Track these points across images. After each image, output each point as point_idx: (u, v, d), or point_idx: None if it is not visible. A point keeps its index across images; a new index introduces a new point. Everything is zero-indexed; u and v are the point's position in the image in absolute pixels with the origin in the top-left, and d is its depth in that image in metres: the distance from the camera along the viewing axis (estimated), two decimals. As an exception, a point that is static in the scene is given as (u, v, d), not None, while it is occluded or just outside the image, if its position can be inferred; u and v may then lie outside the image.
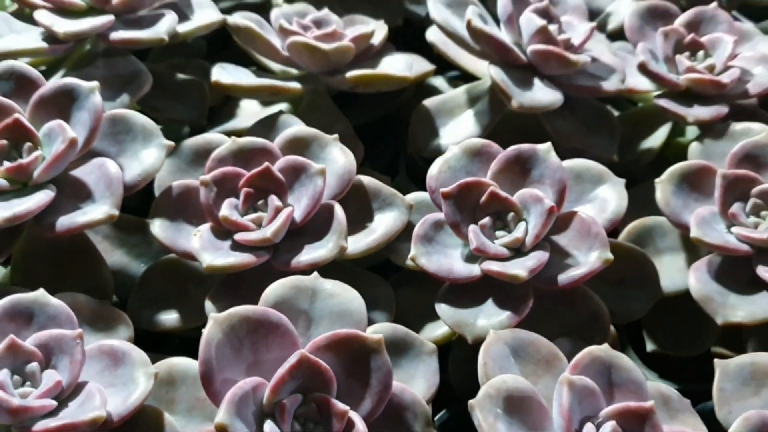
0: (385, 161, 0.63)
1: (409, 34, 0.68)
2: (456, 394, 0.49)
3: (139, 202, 0.54)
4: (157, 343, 0.49)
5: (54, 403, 0.38)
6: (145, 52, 0.65)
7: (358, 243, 0.49)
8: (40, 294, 0.42)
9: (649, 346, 0.52)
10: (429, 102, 0.60)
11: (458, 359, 0.49)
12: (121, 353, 0.41)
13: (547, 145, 0.49)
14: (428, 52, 0.63)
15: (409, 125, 0.59)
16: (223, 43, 0.66)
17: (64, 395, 0.39)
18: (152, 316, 0.48)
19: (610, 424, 0.39)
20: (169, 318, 0.48)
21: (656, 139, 0.60)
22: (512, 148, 0.49)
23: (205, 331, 0.39)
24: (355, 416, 0.39)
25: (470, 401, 0.39)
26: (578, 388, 0.39)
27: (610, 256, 0.45)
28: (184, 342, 0.49)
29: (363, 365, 0.40)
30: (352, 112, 0.62)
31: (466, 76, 0.62)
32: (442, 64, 0.64)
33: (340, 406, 0.39)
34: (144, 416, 0.40)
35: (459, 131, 0.58)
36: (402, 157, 0.63)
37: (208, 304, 0.46)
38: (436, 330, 0.49)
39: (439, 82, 0.64)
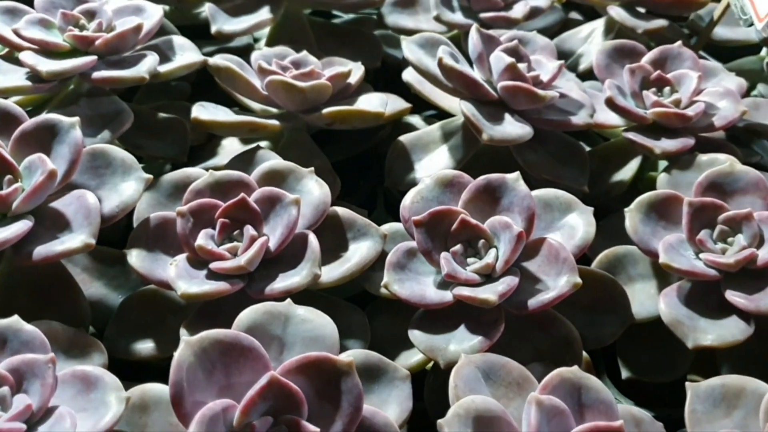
0: (363, 196, 0.64)
1: (386, 76, 0.70)
2: (432, 422, 0.49)
3: (120, 235, 0.55)
4: (135, 374, 0.50)
5: (23, 426, 0.38)
6: (131, 94, 0.66)
7: (333, 272, 0.50)
8: (14, 320, 0.42)
9: (624, 373, 0.53)
10: (405, 138, 0.61)
11: (434, 386, 0.50)
12: (94, 378, 0.41)
13: (516, 174, 0.50)
14: (406, 92, 0.65)
15: (386, 161, 0.61)
16: (206, 87, 0.68)
17: (35, 419, 0.39)
18: (129, 345, 0.49)
19: (580, 442, 0.39)
20: (146, 347, 0.49)
21: (627, 172, 0.61)
22: (482, 177, 0.50)
23: (176, 354, 0.39)
24: (326, 438, 0.39)
25: (439, 421, 0.39)
26: (547, 407, 0.40)
27: (578, 280, 0.46)
28: (163, 372, 0.49)
29: (334, 388, 0.40)
30: (331, 149, 0.63)
31: (441, 115, 0.64)
32: (419, 105, 0.66)
33: (311, 428, 0.39)
34: (114, 441, 0.40)
35: (434, 165, 0.59)
36: (379, 192, 0.64)
37: (183, 332, 0.47)
38: (411, 357, 0.49)
39: (415, 120, 0.66)
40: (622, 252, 0.54)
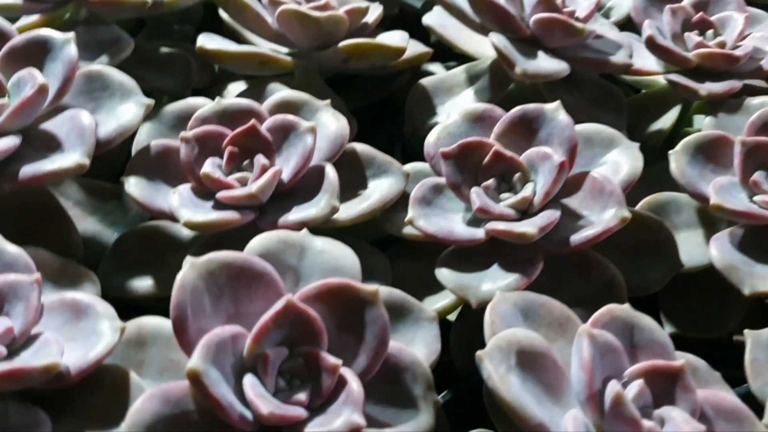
0: (379, 146, 0.59)
1: (403, 27, 0.66)
2: (458, 374, 0.45)
3: (116, 172, 0.50)
4: (130, 315, 0.45)
5: (3, 350, 0.33)
6: (132, 36, 0.62)
7: (351, 209, 0.45)
8: (-4, 240, 0.37)
9: (668, 329, 0.48)
10: (426, 81, 0.57)
11: (461, 335, 0.45)
12: (85, 306, 0.36)
13: (556, 103, 0.46)
14: (424, 43, 0.61)
15: (405, 105, 0.56)
16: (212, 30, 0.64)
17: (17, 344, 0.34)
18: (125, 282, 0.44)
19: (637, 383, 0.35)
20: (144, 284, 0.44)
21: (666, 121, 0.57)
22: (517, 108, 0.46)
23: (179, 275, 0.35)
24: (348, 372, 0.34)
25: (478, 352, 0.35)
26: (600, 343, 0.35)
27: (627, 214, 0.42)
28: (162, 314, 0.45)
29: (356, 318, 0.35)
30: (346, 98, 0.58)
31: (464, 63, 0.60)
32: (439, 55, 0.62)
33: (331, 360, 0.34)
34: (108, 376, 0.35)
35: (458, 109, 0.54)
36: (397, 144, 0.60)
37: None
38: (436, 303, 0.45)
39: (435, 68, 0.62)
40: (665, 199, 0.50)
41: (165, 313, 0.44)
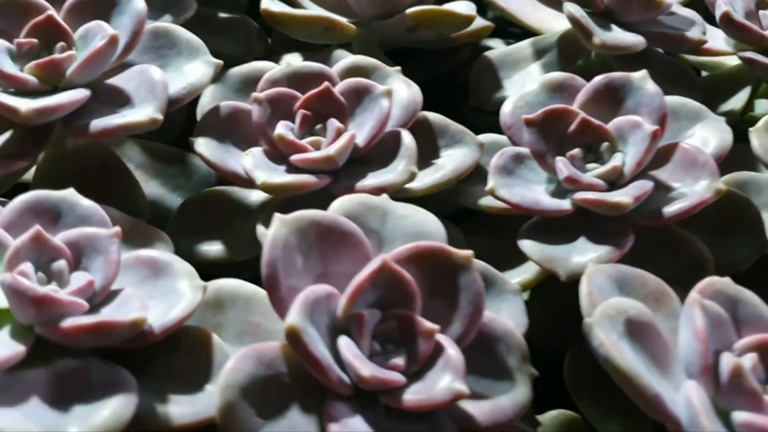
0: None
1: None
2: (535, 352, 0.43)
3: (172, 136, 0.48)
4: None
5: (85, 304, 0.31)
6: None
7: (425, 179, 0.43)
8: (69, 193, 0.35)
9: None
10: (491, 54, 0.55)
11: (538, 313, 0.43)
12: (162, 264, 0.34)
13: (643, 72, 0.44)
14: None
15: (470, 78, 0.55)
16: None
17: (97, 300, 0.32)
18: (193, 247, 0.42)
19: (751, 356, 0.33)
20: (214, 249, 0.42)
21: (737, 101, 0.55)
22: (602, 76, 0.44)
23: (270, 231, 0.33)
24: (444, 339, 0.32)
25: (587, 319, 0.33)
26: (711, 313, 0.33)
27: (721, 185, 0.40)
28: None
29: (449, 283, 0.34)
30: (405, 72, 0.57)
31: (522, 40, 0.58)
32: (499, 32, 0.60)
33: (428, 324, 0.32)
34: (187, 337, 0.33)
35: (526, 83, 0.53)
36: (456, 119, 0.58)
37: (260, 228, 0.40)
38: (512, 279, 0.43)
39: (496, 43, 0.60)
40: (744, 178, 0.48)
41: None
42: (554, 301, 0.42)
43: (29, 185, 0.46)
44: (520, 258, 0.43)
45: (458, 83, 0.57)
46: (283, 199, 0.42)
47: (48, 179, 0.42)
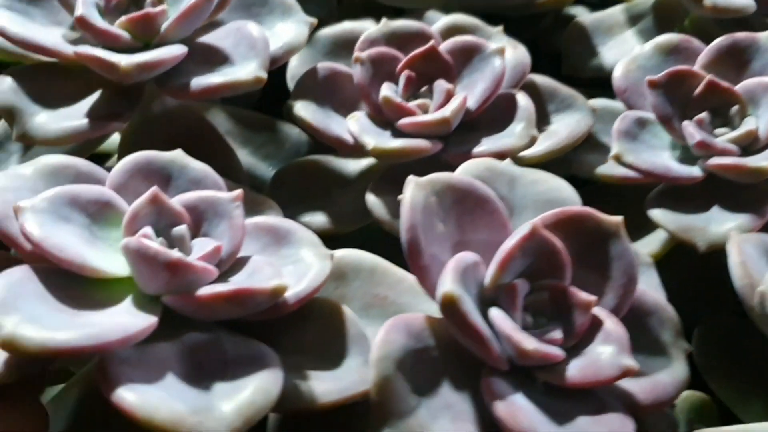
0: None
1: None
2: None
3: (253, 102, 0.45)
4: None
5: (216, 270, 0.28)
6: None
7: (539, 146, 0.40)
8: (178, 154, 0.32)
9: None
10: (583, 19, 0.52)
11: (672, 282, 0.40)
12: (284, 231, 0.31)
13: (769, 32, 0.41)
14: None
15: (562, 45, 0.52)
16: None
17: (224, 267, 0.29)
18: (293, 217, 0.39)
19: None
20: (316, 220, 0.39)
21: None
22: (725, 36, 0.41)
23: (406, 195, 0.30)
24: (601, 311, 0.30)
25: (760, 288, 0.30)
26: None
27: None
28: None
29: (599, 252, 0.31)
30: (490, 40, 0.54)
31: (605, 7, 0.56)
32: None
33: (584, 295, 0.29)
34: (316, 308, 0.30)
35: (623, 49, 0.50)
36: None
37: (371, 197, 0.37)
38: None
39: (579, 11, 0.57)
40: None
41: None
42: (683, 273, 0.39)
43: (108, 156, 0.44)
44: (640, 230, 0.40)
45: (544, 51, 0.55)
46: (386, 168, 0.39)
47: (136, 146, 0.39)
